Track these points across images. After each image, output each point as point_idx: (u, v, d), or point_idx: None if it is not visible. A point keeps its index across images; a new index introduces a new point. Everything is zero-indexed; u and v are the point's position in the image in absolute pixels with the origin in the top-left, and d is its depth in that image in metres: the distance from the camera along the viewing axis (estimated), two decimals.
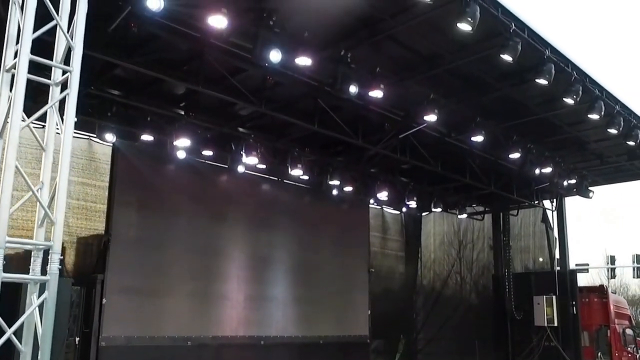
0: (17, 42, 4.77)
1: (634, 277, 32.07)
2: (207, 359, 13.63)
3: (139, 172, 13.11)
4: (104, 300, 12.04)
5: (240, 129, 13.23)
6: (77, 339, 11.73)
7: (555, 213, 18.98)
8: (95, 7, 6.50)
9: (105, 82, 10.91)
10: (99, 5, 7.99)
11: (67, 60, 5.20)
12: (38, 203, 4.83)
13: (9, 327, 4.57)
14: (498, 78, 11.47)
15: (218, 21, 8.50)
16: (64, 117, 4.91)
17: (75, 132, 12.78)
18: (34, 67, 5.07)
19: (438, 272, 21.55)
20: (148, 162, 13.31)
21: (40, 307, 4.67)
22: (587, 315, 18.09)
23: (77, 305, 11.90)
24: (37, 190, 4.82)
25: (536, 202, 18.78)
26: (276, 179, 15.16)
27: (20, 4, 4.84)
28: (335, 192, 16.36)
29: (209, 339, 13.67)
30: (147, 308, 12.81)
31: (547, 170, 15.11)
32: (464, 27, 8.57)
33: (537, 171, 14.95)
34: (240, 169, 14.16)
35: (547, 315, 17.73)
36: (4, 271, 4.45)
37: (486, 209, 20.35)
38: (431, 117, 11.84)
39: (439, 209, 18.27)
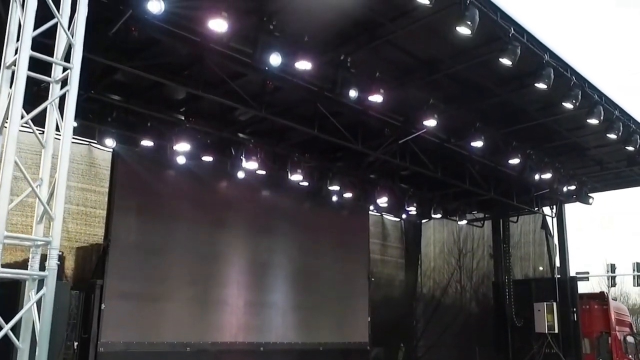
0: (18, 40, 4.79)
1: (634, 285, 32.00)
2: None
3: (138, 178, 13.12)
4: (103, 306, 12.00)
5: (240, 135, 13.24)
6: (76, 343, 11.68)
7: (555, 220, 18.95)
8: (96, 10, 6.54)
9: (105, 87, 10.94)
10: (100, 9, 8.07)
11: (67, 58, 5.22)
12: (37, 200, 4.82)
13: (8, 324, 4.55)
14: (497, 83, 11.51)
15: (218, 25, 8.53)
16: (64, 114, 4.92)
17: (75, 138, 12.97)
18: (34, 68, 5.10)
19: (438, 280, 21.52)
20: (148, 168, 13.32)
21: (39, 304, 4.65)
22: (588, 322, 18.02)
23: (75, 309, 11.86)
24: (37, 187, 4.83)
25: (536, 208, 18.77)
26: (276, 184, 15.14)
27: (21, 1, 4.86)
28: (335, 198, 16.38)
29: (209, 345, 13.61)
30: (146, 313, 12.77)
31: (547, 176, 15.12)
32: (464, 31, 8.60)
33: (536, 177, 14.97)
34: (240, 174, 14.16)
35: (547, 322, 17.66)
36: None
37: (486, 216, 20.34)
38: (431, 122, 11.86)
39: (439, 215, 18.24)
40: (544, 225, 19.53)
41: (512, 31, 9.36)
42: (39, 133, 5.18)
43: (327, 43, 9.93)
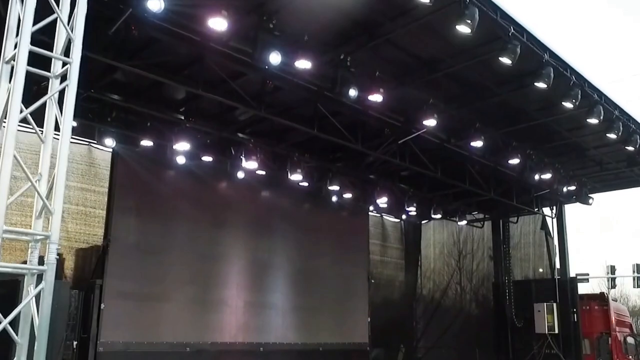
0: (17, 35, 4.80)
1: (634, 287, 31.91)
2: None
3: (138, 177, 13.12)
4: (103, 306, 12.01)
5: (240, 134, 13.24)
6: (75, 343, 11.66)
7: (555, 220, 18.94)
8: (95, 9, 6.54)
9: (105, 86, 10.93)
10: (100, 7, 8.07)
11: (67, 54, 5.21)
12: (36, 195, 4.82)
13: (6, 318, 4.54)
14: (497, 82, 11.50)
15: (218, 23, 8.54)
16: (63, 108, 4.91)
17: (74, 138, 12.97)
18: (34, 65, 5.09)
19: (438, 282, 21.52)
20: (148, 167, 13.32)
21: (38, 300, 4.64)
22: (588, 322, 18.00)
23: (75, 309, 11.84)
24: (36, 182, 4.82)
25: (536, 209, 18.76)
26: (276, 185, 15.14)
27: None
28: (334, 198, 16.40)
29: (208, 345, 13.61)
30: (145, 313, 12.77)
31: (547, 176, 15.12)
32: (463, 29, 8.61)
33: (536, 177, 14.97)
34: (240, 174, 14.17)
35: (547, 322, 17.65)
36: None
37: (486, 216, 20.34)
38: (430, 122, 11.86)
39: (439, 215, 18.22)
40: (544, 225, 19.51)
41: (512, 30, 9.36)
42: (40, 133, 5.18)
43: (327, 42, 9.93)
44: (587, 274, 31.45)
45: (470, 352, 19.10)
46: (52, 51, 5.36)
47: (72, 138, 12.72)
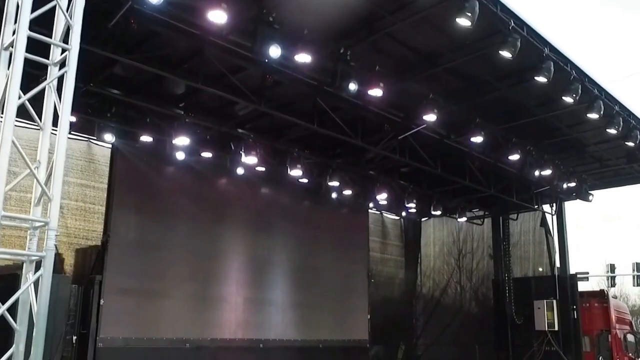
0: (16, 22, 4.77)
1: (634, 285, 31.90)
2: None
3: (138, 173, 13.11)
4: (102, 301, 11.98)
5: (240, 130, 13.21)
6: (75, 337, 11.63)
7: (554, 217, 18.92)
8: (94, 2, 6.51)
9: (104, 80, 10.91)
10: (99, 0, 8.05)
11: (65, 42, 5.19)
12: (35, 182, 4.80)
13: (4, 305, 4.52)
14: (497, 77, 11.49)
15: (218, 16, 8.51)
16: (62, 94, 4.89)
17: (73, 134, 12.95)
18: (32, 53, 5.07)
19: (437, 281, 21.51)
20: (147, 163, 13.30)
21: (36, 286, 4.62)
22: (588, 319, 17.97)
23: (74, 305, 11.82)
24: (35, 169, 4.80)
25: (536, 206, 18.75)
26: (276, 181, 15.12)
27: None
28: (334, 195, 16.38)
29: (208, 342, 13.58)
30: (145, 309, 12.74)
31: (547, 172, 15.09)
32: (463, 22, 8.59)
33: (536, 173, 14.95)
34: (240, 170, 14.16)
35: (547, 319, 17.62)
36: None
37: (485, 213, 20.32)
38: (430, 117, 11.83)
39: (439, 212, 18.21)
40: (544, 223, 19.48)
41: (512, 24, 9.34)
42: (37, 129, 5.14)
43: (327, 36, 9.90)
44: (587, 273, 31.45)
45: (470, 349, 19.08)
46: (49, 48, 5.34)
47: (71, 134, 12.72)
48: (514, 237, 20.02)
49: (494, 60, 9.98)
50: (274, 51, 9.03)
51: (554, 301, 17.84)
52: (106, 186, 13.29)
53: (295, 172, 14.06)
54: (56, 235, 4.90)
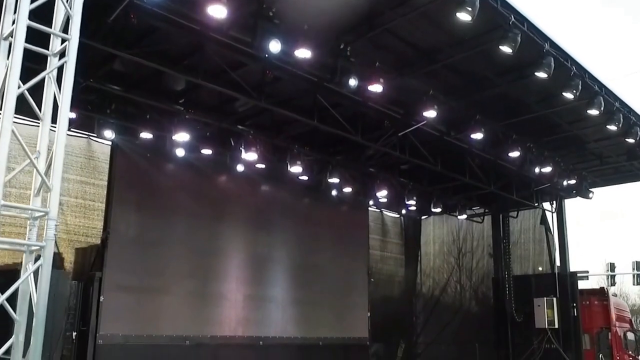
0: (15, 11, 4.77)
1: (633, 284, 31.89)
2: (205, 359, 13.50)
3: (138, 170, 13.09)
4: (102, 298, 11.95)
5: (240, 126, 13.20)
6: (75, 334, 11.62)
7: (555, 215, 18.91)
8: None
9: (104, 76, 10.90)
10: None
11: (65, 31, 5.18)
12: (35, 172, 4.79)
13: (6, 301, 4.51)
14: (497, 73, 11.48)
15: (218, 11, 8.48)
16: (62, 85, 4.88)
17: (73, 131, 12.94)
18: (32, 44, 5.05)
19: (437, 279, 21.51)
20: (147, 160, 13.28)
21: (36, 277, 4.61)
22: (588, 317, 17.97)
23: (74, 302, 11.81)
24: (35, 159, 4.79)
25: (536, 204, 18.73)
26: (276, 178, 15.11)
27: None
28: (334, 192, 16.37)
29: (207, 339, 13.56)
30: (145, 306, 12.72)
31: (547, 169, 15.09)
32: (463, 17, 8.57)
33: (536, 170, 14.94)
34: (240, 167, 14.14)
35: (547, 317, 17.62)
36: None
37: (485, 211, 20.31)
38: (430, 113, 11.82)
39: (439, 209, 18.20)
40: (544, 220, 19.48)
41: (512, 19, 9.33)
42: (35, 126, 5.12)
43: (327, 31, 9.89)
44: (587, 272, 31.44)
45: (470, 347, 19.06)
46: (49, 40, 5.33)
47: (71, 131, 12.67)
48: (514, 235, 20.01)
49: (494, 56, 9.96)
50: (274, 46, 9.01)
51: (554, 299, 17.83)
52: (106, 183, 13.27)
53: (295, 169, 14.05)
54: (55, 233, 4.89)
